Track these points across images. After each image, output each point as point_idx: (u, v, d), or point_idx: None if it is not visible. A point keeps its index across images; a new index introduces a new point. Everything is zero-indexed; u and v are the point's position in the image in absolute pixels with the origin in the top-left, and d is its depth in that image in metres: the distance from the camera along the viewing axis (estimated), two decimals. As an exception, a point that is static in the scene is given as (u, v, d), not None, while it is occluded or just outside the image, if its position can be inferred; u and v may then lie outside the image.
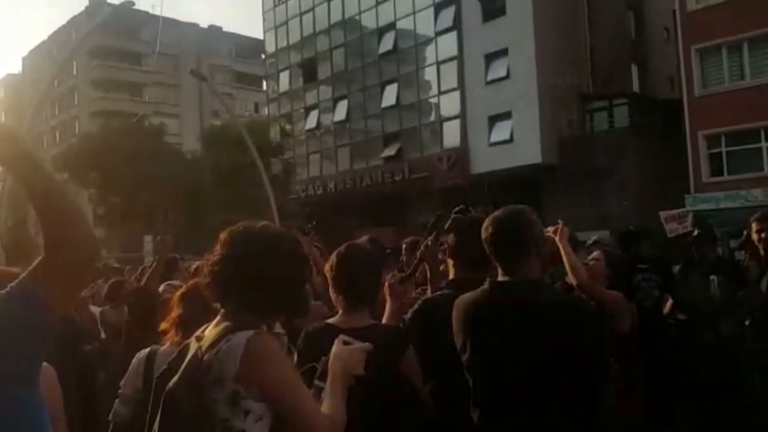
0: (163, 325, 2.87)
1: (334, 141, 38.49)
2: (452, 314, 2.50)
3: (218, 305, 1.93)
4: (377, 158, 35.47)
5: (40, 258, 1.56)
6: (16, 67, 67.31)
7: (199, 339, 1.88)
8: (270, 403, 1.76)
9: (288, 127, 42.13)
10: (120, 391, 2.95)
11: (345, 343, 2.05)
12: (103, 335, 5.34)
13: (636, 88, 32.25)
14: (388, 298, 2.95)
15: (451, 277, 2.96)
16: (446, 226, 3.05)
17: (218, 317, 1.91)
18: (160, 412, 1.84)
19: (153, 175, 34.71)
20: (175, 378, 1.83)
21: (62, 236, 1.54)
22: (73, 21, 54.62)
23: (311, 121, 39.93)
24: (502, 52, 29.73)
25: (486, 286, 2.46)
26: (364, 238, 4.54)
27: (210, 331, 1.88)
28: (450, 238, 2.98)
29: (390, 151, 34.85)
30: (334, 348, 2.03)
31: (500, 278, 2.47)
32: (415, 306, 2.88)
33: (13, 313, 1.50)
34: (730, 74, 23.83)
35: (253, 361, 1.73)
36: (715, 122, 23.24)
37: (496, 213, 2.51)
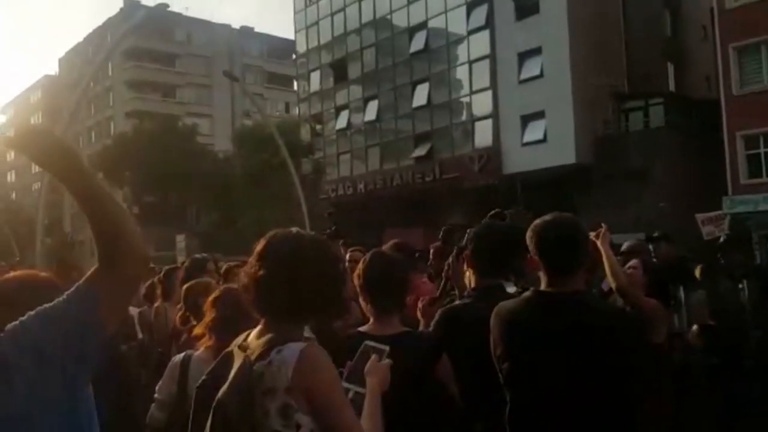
0: (197, 330, 2.90)
1: (365, 141, 38.47)
2: (491, 321, 2.46)
3: (257, 312, 1.91)
4: (408, 158, 35.36)
5: (94, 268, 1.58)
6: (54, 69, 68.60)
7: (243, 348, 1.87)
8: (315, 415, 1.74)
9: (318, 127, 42.28)
10: (156, 395, 2.96)
11: (370, 347, 2.12)
12: (140, 335, 5.27)
13: (672, 87, 31.65)
14: (420, 318, 3.05)
15: (471, 285, 2.93)
16: (462, 237, 3.06)
17: (260, 325, 1.90)
18: (210, 422, 1.82)
19: (185, 174, 35.09)
20: (225, 388, 1.82)
21: (118, 248, 1.56)
22: (109, 22, 55.50)
23: (342, 121, 39.98)
24: (536, 51, 29.42)
25: (528, 294, 2.42)
26: (390, 243, 4.55)
27: (254, 339, 1.87)
28: (467, 247, 2.99)
29: (420, 151, 34.70)
30: (369, 365, 2.06)
31: (543, 288, 2.40)
32: (435, 317, 2.86)
33: (71, 314, 1.53)
34: (769, 73, 23.27)
35: (305, 373, 1.73)
36: (754, 122, 22.70)
37: (549, 220, 2.44)
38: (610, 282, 3.59)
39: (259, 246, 1.91)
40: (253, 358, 1.79)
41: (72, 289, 1.57)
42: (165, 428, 2.84)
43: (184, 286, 4.04)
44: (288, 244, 1.90)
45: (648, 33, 30.75)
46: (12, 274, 1.99)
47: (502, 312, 2.45)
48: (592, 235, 3.39)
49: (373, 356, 2.08)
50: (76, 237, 55.42)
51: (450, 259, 3.30)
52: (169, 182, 35.66)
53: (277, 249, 1.89)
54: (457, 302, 2.95)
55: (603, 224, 3.57)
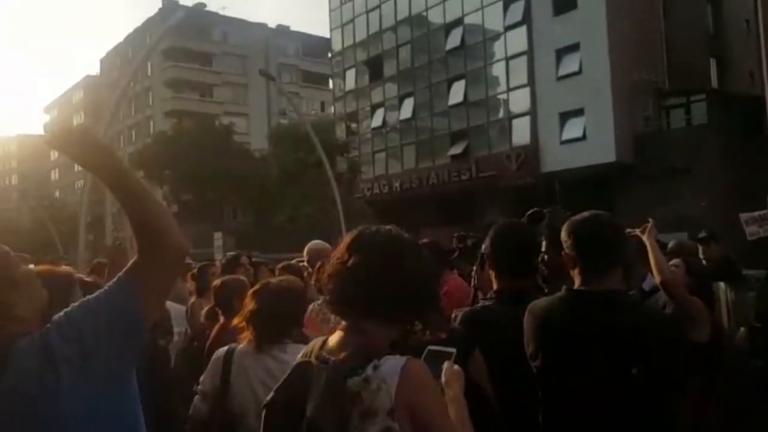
0: (237, 320, 2.91)
1: (400, 139, 38.39)
2: (524, 319, 2.44)
3: (340, 311, 1.74)
4: (444, 157, 35.17)
5: (133, 260, 1.60)
6: (95, 69, 70.05)
7: (324, 360, 1.67)
8: None
9: (354, 125, 42.33)
10: (199, 387, 2.99)
11: (435, 352, 1.90)
12: (188, 329, 5.26)
13: (714, 83, 30.92)
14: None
15: (494, 287, 2.85)
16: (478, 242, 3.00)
17: (342, 329, 1.73)
18: None
19: (222, 173, 35.46)
20: (313, 406, 1.60)
21: (156, 242, 1.57)
22: (148, 22, 56.38)
23: (377, 120, 39.96)
24: (574, 47, 29.00)
25: (563, 293, 2.39)
26: (422, 242, 4.46)
27: (336, 347, 1.69)
28: (486, 248, 2.92)
29: (457, 149, 34.48)
30: (446, 373, 1.83)
31: (577, 286, 2.36)
32: (457, 318, 2.79)
33: (114, 304, 1.55)
34: (817, 68, 22.50)
35: (410, 393, 1.57)
36: (801, 118, 21.96)
37: (585, 217, 2.41)
38: (654, 276, 3.53)
39: (349, 237, 1.75)
40: (343, 372, 1.61)
41: (113, 281, 1.59)
42: (207, 420, 2.86)
43: (216, 282, 4.11)
44: (385, 237, 1.73)
45: (689, 27, 30.07)
46: (32, 267, 2.00)
47: (536, 310, 2.43)
48: (637, 230, 3.44)
49: (446, 363, 1.87)
50: (117, 234, 56.54)
51: (475, 268, 3.22)
52: (206, 181, 36.09)
53: (374, 241, 1.72)
54: (476, 306, 2.88)
55: (650, 219, 3.55)
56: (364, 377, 1.57)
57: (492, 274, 2.88)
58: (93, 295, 1.58)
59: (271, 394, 1.72)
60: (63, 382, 1.48)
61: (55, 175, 75.35)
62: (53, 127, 1.56)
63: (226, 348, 2.97)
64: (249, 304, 2.87)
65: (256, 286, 3.04)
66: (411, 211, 30.98)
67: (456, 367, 1.87)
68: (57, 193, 68.97)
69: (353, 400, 1.56)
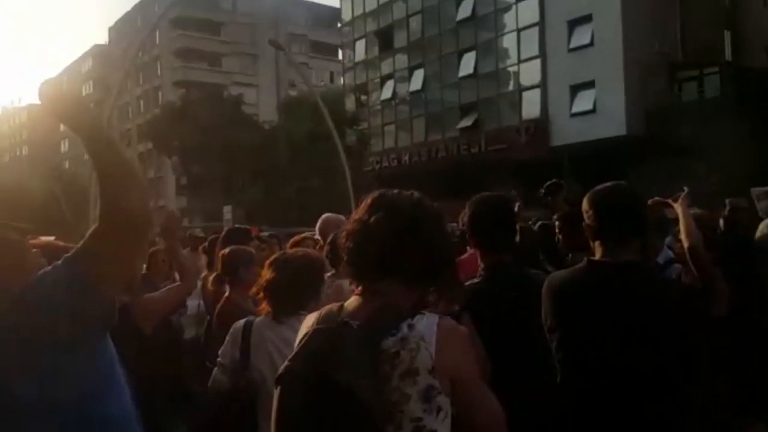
0: (254, 290, 2.91)
1: (410, 111, 38.16)
2: (543, 291, 2.43)
3: (359, 272, 1.68)
4: (453, 129, 34.98)
5: (93, 228, 1.59)
6: (104, 38, 69.75)
7: (346, 324, 1.59)
8: (457, 396, 1.58)
9: (363, 97, 42.07)
10: (219, 359, 2.99)
11: None
12: (200, 303, 5.29)
13: (729, 56, 30.36)
14: None
15: (480, 265, 2.81)
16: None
17: (360, 293, 1.68)
18: (325, 409, 1.50)
19: (231, 145, 35.39)
20: (343, 370, 1.50)
21: (118, 202, 1.56)
22: (156, -9, 55.95)
23: (387, 91, 39.69)
24: (586, 18, 28.60)
25: (583, 265, 2.39)
26: None
27: (357, 308, 1.64)
28: (464, 225, 2.87)
29: (466, 121, 34.27)
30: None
31: (599, 258, 2.36)
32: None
33: (60, 277, 1.56)
34: (834, 42, 22.12)
35: (450, 349, 1.55)
36: (817, 93, 21.63)
37: (607, 187, 2.42)
38: (683, 241, 3.39)
39: (370, 198, 1.71)
40: (375, 333, 1.55)
41: (64, 259, 1.60)
42: (228, 391, 2.87)
43: (223, 252, 4.09)
44: (407, 199, 1.70)
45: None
46: (34, 241, 2.08)
47: (555, 282, 2.42)
48: (669, 199, 3.41)
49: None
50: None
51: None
52: (215, 152, 36.04)
53: (395, 202, 1.68)
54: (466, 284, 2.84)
55: (685, 188, 3.46)
56: (400, 337, 1.54)
57: (478, 253, 2.85)
58: (50, 267, 1.61)
59: (286, 363, 1.61)
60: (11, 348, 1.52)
61: (64, 145, 75.51)
62: (42, 85, 1.58)
63: (244, 320, 2.97)
64: (266, 274, 2.87)
65: (274, 256, 3.04)
66: (420, 184, 30.58)
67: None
68: (66, 164, 69.16)
69: (391, 360, 1.53)
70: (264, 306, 2.86)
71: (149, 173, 49.53)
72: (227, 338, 3.00)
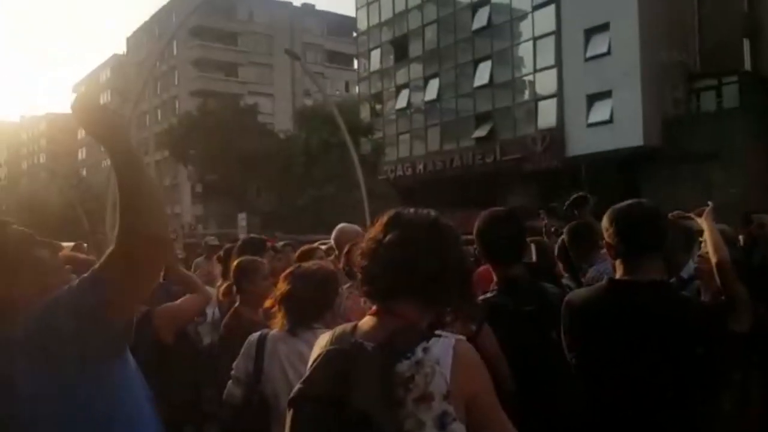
0: (268, 303, 2.90)
1: (425, 121, 38.14)
2: (562, 310, 2.43)
3: (375, 291, 1.65)
4: (468, 139, 34.89)
5: (111, 248, 1.53)
6: (122, 48, 70.51)
7: (359, 346, 1.56)
8: (473, 422, 1.53)
9: (378, 106, 42.15)
10: (233, 372, 2.98)
11: None
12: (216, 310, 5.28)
13: (748, 65, 30.09)
14: None
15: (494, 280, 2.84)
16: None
17: (374, 313, 1.65)
18: (339, 431, 1.49)
19: (247, 153, 35.59)
20: (359, 394, 1.47)
21: (138, 226, 1.50)
22: (174, 1, 56.50)
23: (402, 101, 39.72)
24: (603, 27, 28.40)
25: (604, 284, 2.39)
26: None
27: (371, 330, 1.61)
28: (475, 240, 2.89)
29: (482, 131, 34.17)
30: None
31: (620, 276, 2.35)
32: None
33: (73, 301, 1.50)
34: None
35: (466, 374, 1.52)
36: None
37: (630, 204, 2.40)
38: (710, 256, 3.36)
39: (386, 216, 1.69)
40: (390, 356, 1.51)
41: (86, 275, 1.55)
42: (241, 404, 2.88)
43: (236, 262, 4.06)
44: (424, 217, 1.68)
45: (723, 7, 29.25)
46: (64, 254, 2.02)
47: (576, 301, 2.42)
48: (692, 213, 3.37)
49: None
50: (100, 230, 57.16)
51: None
52: (231, 161, 36.27)
53: (412, 221, 1.66)
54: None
55: (710, 202, 3.44)
56: (415, 360, 1.51)
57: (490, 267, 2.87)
58: (65, 288, 1.55)
59: (299, 385, 1.57)
60: (20, 369, 1.48)
61: (82, 153, 76.31)
62: (78, 98, 1.56)
63: (258, 333, 2.96)
64: (281, 287, 2.86)
65: (289, 269, 3.02)
66: (434, 193, 30.82)
67: None
68: (84, 172, 69.85)
69: (406, 384, 1.49)
70: (278, 319, 2.85)
71: (165, 181, 49.85)
72: (242, 351, 2.98)
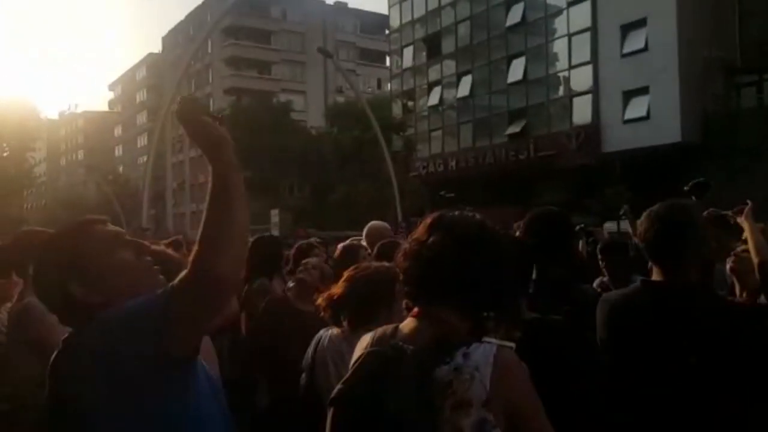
0: (321, 301, 2.91)
1: (457, 117, 37.95)
2: (597, 310, 2.43)
3: (418, 295, 1.63)
4: (501, 135, 34.62)
5: (182, 275, 1.40)
6: (157, 47, 71.55)
7: (399, 349, 1.53)
8: (512, 430, 1.50)
9: (410, 103, 42.10)
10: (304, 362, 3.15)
11: None
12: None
13: (790, 60, 29.34)
14: None
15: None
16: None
17: (415, 315, 1.63)
18: None
19: (280, 150, 35.87)
20: (394, 397, 1.48)
21: (212, 264, 1.37)
22: (209, 1, 57.16)
23: (434, 98, 39.59)
24: (640, 23, 27.92)
25: (638, 284, 2.38)
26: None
27: (411, 334, 1.60)
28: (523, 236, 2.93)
29: (515, 128, 33.88)
30: None
31: (656, 278, 2.33)
32: None
33: (128, 335, 1.39)
34: None
35: (506, 382, 1.49)
36: None
37: (663, 206, 2.38)
38: (752, 257, 3.35)
39: (430, 218, 1.67)
40: (429, 361, 1.50)
41: (153, 296, 1.44)
42: (303, 388, 3.02)
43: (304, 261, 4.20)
44: (467, 220, 1.65)
45: (764, 1, 28.55)
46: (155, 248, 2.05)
47: (611, 302, 2.42)
48: (731, 212, 3.36)
49: None
50: (177, 210, 57.99)
51: None
52: (264, 157, 36.61)
53: (456, 223, 1.63)
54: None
55: (749, 201, 3.41)
56: (454, 366, 1.48)
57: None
58: (135, 304, 1.44)
59: (339, 386, 1.59)
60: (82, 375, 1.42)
61: (119, 150, 77.67)
62: (183, 103, 1.49)
63: (323, 330, 3.07)
64: (342, 288, 2.87)
65: (353, 268, 3.03)
66: (466, 190, 30.69)
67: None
68: (121, 169, 71.11)
69: (443, 390, 1.47)
70: (330, 316, 2.92)
71: (200, 178, 50.46)
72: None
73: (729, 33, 28.38)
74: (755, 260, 3.27)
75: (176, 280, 1.41)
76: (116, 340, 1.39)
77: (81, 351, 1.45)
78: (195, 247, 1.40)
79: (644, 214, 2.41)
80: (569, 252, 2.92)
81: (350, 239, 8.70)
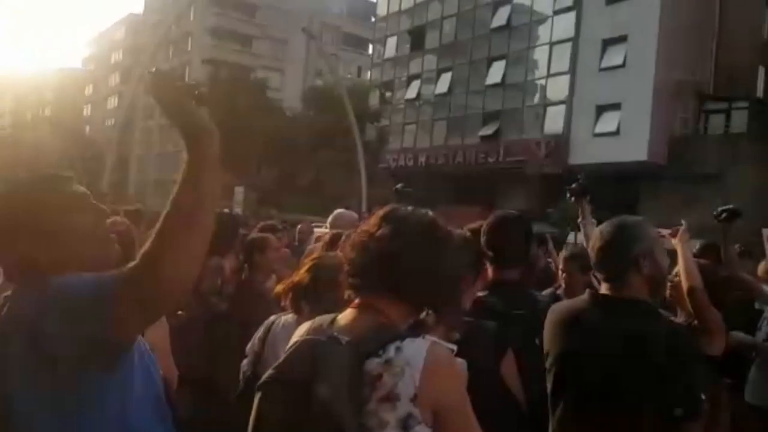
0: (279, 288, 2.91)
1: (432, 113, 38.07)
2: (546, 319, 2.49)
3: (362, 287, 1.63)
4: (474, 136, 34.81)
5: (133, 265, 1.32)
6: (139, 8, 70.01)
7: (335, 339, 1.53)
8: (441, 428, 1.50)
9: (388, 94, 42.05)
10: (248, 348, 3.11)
11: None
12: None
13: (760, 93, 30.02)
14: None
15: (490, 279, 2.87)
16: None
17: (356, 307, 1.62)
18: (302, 420, 1.49)
19: (252, 127, 35.51)
20: (323, 385, 1.47)
21: (170, 258, 1.30)
22: (197, -33, 56.21)
23: (412, 91, 39.62)
24: (621, 39, 28.34)
25: (586, 296, 2.44)
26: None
27: (349, 323, 1.59)
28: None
29: (488, 130, 34.10)
30: None
31: (603, 291, 2.42)
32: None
33: (69, 316, 1.30)
34: None
35: (436, 380, 1.48)
36: (843, 141, 21.29)
37: (609, 224, 2.44)
38: (682, 281, 3.37)
39: (382, 211, 1.66)
40: (361, 352, 1.49)
41: (99, 276, 1.37)
42: (248, 377, 2.95)
43: (249, 239, 4.39)
44: (419, 216, 1.64)
45: (743, 33, 29.14)
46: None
47: (558, 311, 2.48)
48: (667, 232, 3.32)
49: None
50: (140, 176, 57.13)
51: None
52: (235, 132, 36.24)
53: (407, 218, 1.63)
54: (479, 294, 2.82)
55: (683, 221, 3.43)
56: (385, 359, 1.48)
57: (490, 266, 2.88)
58: (82, 282, 1.36)
59: (270, 371, 1.59)
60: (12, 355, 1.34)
61: (87, 110, 76.06)
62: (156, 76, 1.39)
63: (274, 316, 3.05)
64: (302, 276, 2.86)
65: (315, 256, 3.07)
66: (433, 187, 30.82)
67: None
68: (87, 129, 69.67)
69: (372, 382, 1.47)
70: (290, 303, 2.91)
71: (168, 147, 49.75)
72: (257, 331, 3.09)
73: (705, 60, 28.99)
74: (684, 285, 3.28)
75: (127, 268, 1.33)
76: (53, 317, 1.31)
77: (11, 322, 1.37)
78: (151, 240, 1.31)
79: (595, 230, 2.48)
80: (527, 257, 2.92)
81: (313, 224, 8.71)
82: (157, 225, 1.31)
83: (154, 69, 1.41)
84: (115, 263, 1.51)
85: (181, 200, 1.32)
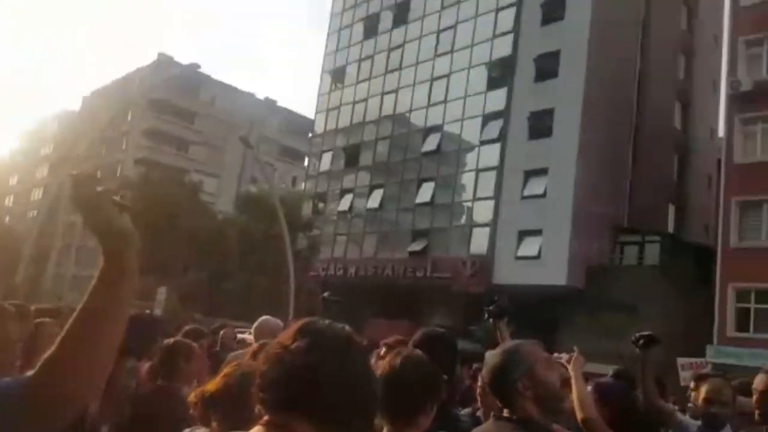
0: (192, 397, 2.67)
1: (363, 227, 38.73)
2: None
3: (274, 405, 1.47)
4: (403, 251, 35.46)
5: (34, 371, 1.26)
6: (75, 105, 69.84)
7: None
8: None
9: (321, 205, 42.66)
10: None
11: None
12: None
13: (671, 228, 32.13)
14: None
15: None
16: None
17: (263, 424, 1.47)
18: None
19: (181, 228, 35.10)
20: None
21: (68, 376, 1.25)
22: (139, 72, 57.11)
23: (344, 204, 40.39)
24: (542, 171, 30.06)
25: (491, 420, 2.47)
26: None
27: None
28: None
29: (416, 246, 34.86)
30: None
31: (504, 413, 2.45)
32: None
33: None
34: (768, 231, 23.63)
35: None
36: (748, 276, 22.73)
37: (496, 351, 2.51)
38: (576, 411, 3.39)
39: (298, 324, 1.53)
40: None
41: (20, 379, 1.29)
42: None
43: (167, 343, 4.08)
44: (337, 332, 1.52)
45: (655, 172, 31.55)
46: None
47: None
48: (563, 358, 3.36)
49: None
50: (58, 270, 54.82)
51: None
52: (164, 232, 35.69)
53: (324, 332, 1.50)
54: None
55: (575, 347, 3.48)
56: None
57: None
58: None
59: None
60: None
61: (9, 200, 73.58)
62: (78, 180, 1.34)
63: (188, 429, 2.79)
64: (217, 384, 2.63)
65: (231, 366, 2.81)
66: (361, 298, 30.94)
67: None
68: (7, 219, 67.09)
69: None
70: (203, 415, 2.66)
71: (89, 242, 48.29)
72: None
73: (620, 196, 30.96)
74: (578, 416, 3.29)
75: (33, 373, 1.27)
76: None
77: None
78: (56, 345, 1.25)
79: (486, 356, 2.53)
80: (453, 375, 2.86)
81: (236, 330, 8.64)
82: (64, 329, 1.25)
83: (75, 172, 1.36)
84: (17, 368, 1.43)
85: (91, 307, 1.27)
